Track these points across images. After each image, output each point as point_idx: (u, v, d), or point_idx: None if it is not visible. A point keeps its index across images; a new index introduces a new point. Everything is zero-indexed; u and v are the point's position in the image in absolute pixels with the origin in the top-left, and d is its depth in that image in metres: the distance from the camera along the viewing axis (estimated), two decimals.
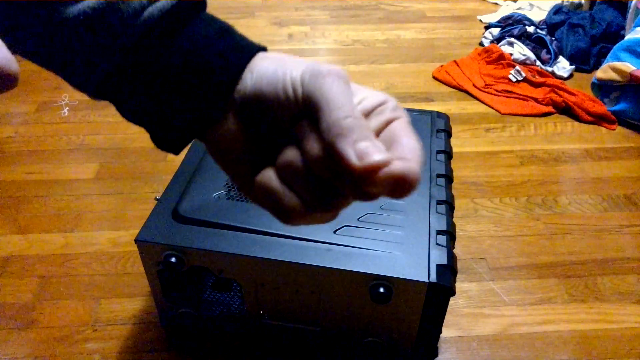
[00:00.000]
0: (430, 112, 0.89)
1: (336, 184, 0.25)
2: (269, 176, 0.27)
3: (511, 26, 1.67)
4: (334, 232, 0.67)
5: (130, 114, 0.30)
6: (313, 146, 0.25)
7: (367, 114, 0.26)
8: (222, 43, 0.28)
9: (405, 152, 0.24)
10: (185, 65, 0.27)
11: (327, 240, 0.65)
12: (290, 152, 0.26)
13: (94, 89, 0.29)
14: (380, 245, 0.65)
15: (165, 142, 0.30)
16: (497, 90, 1.42)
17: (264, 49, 0.29)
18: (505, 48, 1.57)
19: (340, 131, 0.23)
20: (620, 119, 1.32)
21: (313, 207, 0.26)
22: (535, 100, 1.38)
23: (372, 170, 0.23)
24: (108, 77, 0.28)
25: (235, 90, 0.27)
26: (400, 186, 0.23)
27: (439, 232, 0.68)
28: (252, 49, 0.28)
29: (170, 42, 0.27)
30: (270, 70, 0.27)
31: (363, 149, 0.23)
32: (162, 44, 0.27)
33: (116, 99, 0.30)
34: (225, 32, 0.28)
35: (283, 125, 0.27)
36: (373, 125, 0.26)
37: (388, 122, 0.26)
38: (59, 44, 0.28)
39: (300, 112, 0.26)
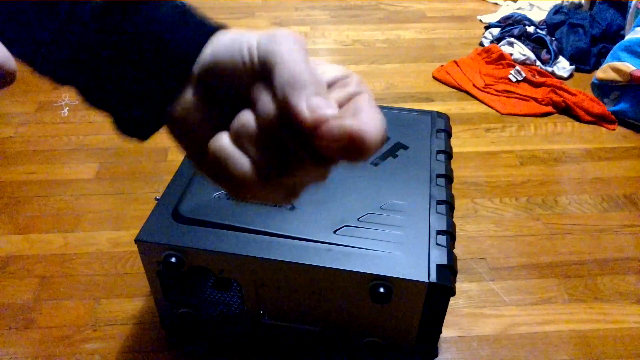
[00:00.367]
0: (430, 112, 0.89)
1: (289, 144, 0.25)
2: (222, 140, 0.26)
3: (511, 26, 1.67)
4: (334, 232, 0.67)
5: (94, 98, 0.30)
6: (267, 105, 0.25)
7: (329, 86, 0.26)
8: (185, 22, 0.28)
9: (364, 118, 0.23)
10: (148, 43, 0.28)
11: (327, 240, 0.65)
12: (244, 115, 0.26)
13: (56, 72, 0.30)
14: (380, 245, 0.65)
15: (130, 125, 0.30)
16: (497, 90, 1.42)
17: (225, 27, 0.29)
18: (505, 48, 1.57)
19: (293, 85, 0.23)
20: (620, 119, 1.32)
21: (266, 174, 0.26)
22: (535, 100, 1.38)
23: (323, 124, 0.23)
24: (72, 58, 0.28)
25: (194, 63, 0.28)
26: (354, 146, 0.23)
27: (439, 232, 0.68)
28: (213, 27, 0.28)
29: (133, 21, 0.28)
30: (227, 40, 0.27)
31: (315, 103, 0.23)
32: (125, 22, 0.28)
33: (80, 82, 0.30)
34: (188, 12, 0.29)
35: (241, 93, 0.27)
36: (335, 97, 0.25)
37: (351, 96, 0.26)
38: (22, 27, 0.28)
39: (256, 77, 0.26)
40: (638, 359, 0.78)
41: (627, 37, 1.37)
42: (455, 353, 0.79)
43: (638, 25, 1.36)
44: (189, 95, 0.28)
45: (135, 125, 0.30)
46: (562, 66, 1.52)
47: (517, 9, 1.86)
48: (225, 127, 0.27)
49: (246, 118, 0.26)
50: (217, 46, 0.27)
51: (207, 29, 0.28)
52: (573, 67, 1.52)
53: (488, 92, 1.42)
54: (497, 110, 1.36)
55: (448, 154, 0.82)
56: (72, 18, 0.27)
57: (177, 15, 0.29)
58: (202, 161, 0.29)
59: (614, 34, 1.58)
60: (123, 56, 0.28)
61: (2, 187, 1.09)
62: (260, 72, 0.25)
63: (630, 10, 1.50)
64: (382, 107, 0.91)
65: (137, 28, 0.28)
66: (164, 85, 0.28)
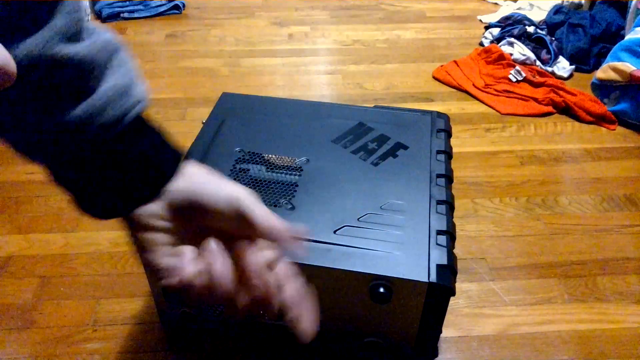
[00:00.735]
0: (430, 112, 0.89)
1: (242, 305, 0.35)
2: (189, 276, 0.34)
3: (511, 26, 1.67)
4: (334, 232, 0.67)
5: (63, 183, 0.35)
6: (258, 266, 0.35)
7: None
8: (164, 145, 0.36)
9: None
10: (132, 163, 0.34)
11: (327, 240, 0.65)
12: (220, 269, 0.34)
13: (33, 155, 0.34)
14: (380, 245, 0.65)
15: (89, 211, 0.36)
16: (497, 90, 1.42)
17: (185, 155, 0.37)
18: (505, 48, 1.57)
19: (272, 238, 0.36)
20: (620, 119, 1.32)
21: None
22: (535, 100, 1.38)
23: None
24: (56, 154, 0.33)
25: (166, 186, 0.35)
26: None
27: (439, 232, 0.68)
28: (180, 153, 0.36)
29: (129, 144, 0.34)
30: (211, 185, 0.35)
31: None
32: (126, 144, 0.34)
33: (54, 168, 0.35)
34: (164, 143, 0.36)
35: (208, 224, 0.35)
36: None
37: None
38: (45, 135, 0.32)
39: (232, 221, 0.35)
40: (638, 359, 0.78)
41: (627, 37, 1.37)
42: (455, 353, 0.79)
43: (638, 25, 1.36)
44: (157, 207, 0.35)
45: (94, 212, 0.36)
46: (562, 66, 1.52)
47: (517, 9, 1.86)
48: (180, 238, 0.35)
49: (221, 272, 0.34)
50: (200, 185, 0.35)
51: (178, 155, 0.36)
52: (573, 67, 1.52)
53: (488, 92, 1.42)
54: (497, 110, 1.36)
55: (448, 154, 0.82)
56: (71, 129, 0.32)
57: (160, 137, 0.36)
58: (145, 255, 0.36)
59: (614, 34, 1.58)
60: (109, 166, 0.34)
61: (2, 187, 1.09)
62: (237, 222, 0.35)
63: (630, 10, 1.50)
64: (382, 107, 0.91)
65: (129, 147, 0.34)
66: (136, 195, 0.35)
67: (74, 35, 0.31)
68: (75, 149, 0.32)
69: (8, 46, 0.27)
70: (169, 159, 0.35)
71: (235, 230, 0.36)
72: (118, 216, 0.35)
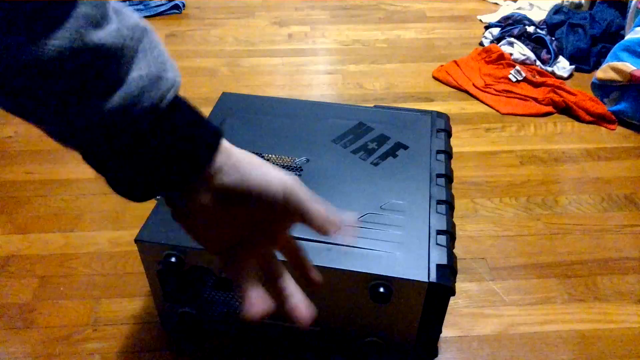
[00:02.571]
0: (430, 112, 0.89)
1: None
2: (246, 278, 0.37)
3: (511, 26, 1.67)
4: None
5: (98, 165, 0.34)
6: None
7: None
8: (201, 128, 0.35)
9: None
10: (172, 142, 0.33)
11: (327, 240, 0.65)
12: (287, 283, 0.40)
13: (67, 139, 0.32)
14: (380, 245, 0.65)
15: (125, 191, 0.35)
16: (497, 90, 1.42)
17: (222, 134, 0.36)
18: (505, 48, 1.57)
19: (324, 227, 0.38)
20: (620, 119, 1.32)
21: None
22: (535, 100, 1.38)
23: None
24: (91, 137, 0.32)
25: (208, 168, 0.34)
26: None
27: (439, 232, 0.68)
28: (220, 133, 0.36)
29: (167, 126, 0.33)
30: (259, 173, 0.35)
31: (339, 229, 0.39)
32: (164, 127, 0.33)
33: (86, 150, 0.33)
34: (201, 120, 0.35)
35: (255, 212, 0.36)
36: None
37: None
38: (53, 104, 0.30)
39: (281, 210, 0.36)
40: (638, 359, 0.78)
41: (627, 37, 1.37)
42: (455, 353, 0.79)
43: (638, 25, 1.36)
44: (204, 196, 0.35)
45: (131, 194, 0.35)
46: (562, 66, 1.52)
47: (517, 9, 1.86)
48: (233, 227, 0.37)
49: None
50: (246, 177, 0.35)
51: (217, 129, 0.35)
52: (573, 67, 1.52)
53: (488, 92, 1.42)
54: (497, 110, 1.36)
55: (448, 153, 0.82)
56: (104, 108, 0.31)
57: (196, 115, 0.35)
58: (213, 248, 0.38)
59: (614, 34, 1.58)
60: (148, 148, 0.32)
61: (2, 187, 1.09)
62: (285, 211, 0.36)
63: (630, 10, 1.50)
64: (382, 107, 0.91)
65: (168, 129, 0.33)
66: (179, 171, 0.34)
67: (101, 19, 0.29)
68: (113, 137, 0.31)
69: (38, 42, 0.26)
70: (208, 134, 0.35)
71: (279, 217, 0.36)
72: (156, 195, 0.35)
